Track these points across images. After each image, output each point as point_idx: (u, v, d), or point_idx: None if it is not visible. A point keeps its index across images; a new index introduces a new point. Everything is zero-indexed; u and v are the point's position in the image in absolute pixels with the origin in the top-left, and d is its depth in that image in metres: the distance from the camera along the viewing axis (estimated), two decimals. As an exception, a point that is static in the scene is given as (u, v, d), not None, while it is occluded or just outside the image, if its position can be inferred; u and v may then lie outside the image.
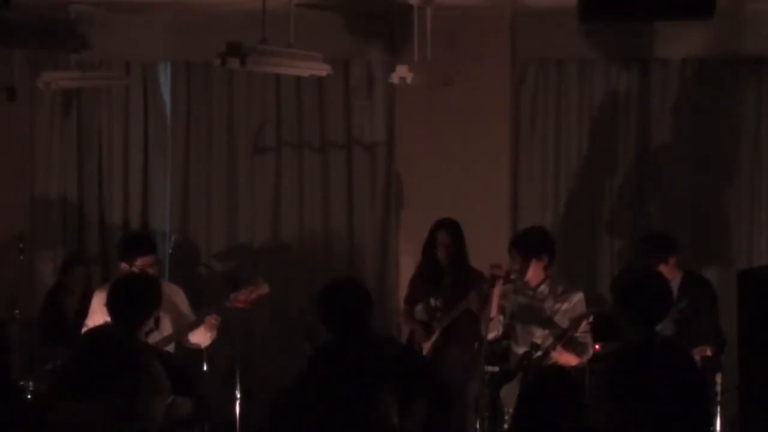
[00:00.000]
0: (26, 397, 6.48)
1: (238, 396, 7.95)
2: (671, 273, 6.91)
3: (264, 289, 6.99)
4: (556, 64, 8.77)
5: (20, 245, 8.85)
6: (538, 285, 6.93)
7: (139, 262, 6.92)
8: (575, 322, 6.70)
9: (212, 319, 6.87)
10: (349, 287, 5.07)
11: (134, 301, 5.62)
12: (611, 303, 5.40)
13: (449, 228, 7.56)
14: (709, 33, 8.15)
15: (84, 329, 6.85)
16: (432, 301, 7.50)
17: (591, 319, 6.77)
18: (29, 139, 9.45)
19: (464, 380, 7.14)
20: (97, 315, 6.77)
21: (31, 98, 9.27)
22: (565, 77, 8.79)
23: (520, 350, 6.98)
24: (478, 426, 7.27)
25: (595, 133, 8.77)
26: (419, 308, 7.61)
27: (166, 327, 6.79)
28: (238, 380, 7.99)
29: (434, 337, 7.42)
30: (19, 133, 9.39)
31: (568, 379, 4.57)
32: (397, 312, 8.65)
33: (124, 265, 6.97)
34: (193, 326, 6.90)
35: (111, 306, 5.63)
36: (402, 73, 7.50)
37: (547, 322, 6.80)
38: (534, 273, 6.91)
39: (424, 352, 7.43)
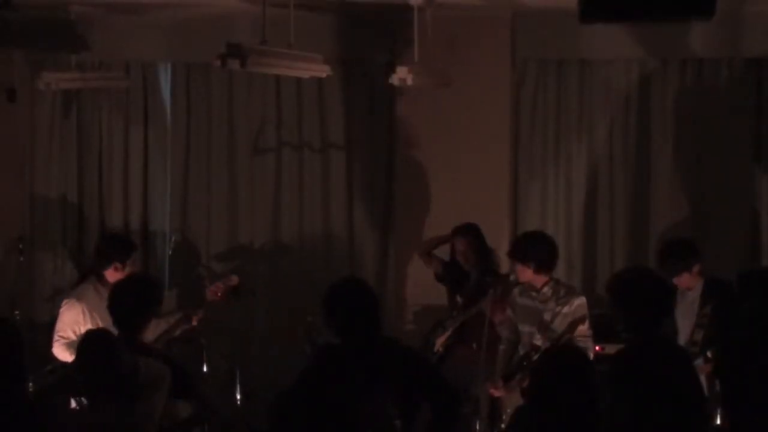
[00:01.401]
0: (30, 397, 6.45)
1: (238, 396, 7.96)
2: (694, 280, 6.89)
3: (234, 280, 7.04)
4: (556, 64, 8.77)
5: (20, 246, 8.85)
6: (542, 287, 6.92)
7: (131, 258, 6.90)
8: (572, 326, 6.69)
9: (199, 314, 6.86)
10: (355, 289, 5.02)
11: (136, 303, 5.62)
12: (609, 304, 5.40)
13: (464, 234, 7.63)
14: (709, 33, 8.15)
15: (56, 339, 6.77)
16: (458, 298, 7.55)
17: (586, 323, 6.75)
18: (29, 139, 9.46)
19: (471, 380, 7.17)
20: (78, 325, 6.68)
21: (31, 99, 9.28)
22: (565, 77, 8.79)
23: (522, 351, 6.98)
24: (477, 426, 7.28)
25: (595, 133, 8.77)
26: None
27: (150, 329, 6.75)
28: (238, 380, 8.00)
29: (447, 335, 7.46)
30: (19, 133, 9.40)
31: (578, 356, 4.53)
32: (397, 312, 8.66)
33: (116, 265, 6.87)
34: (181, 323, 6.88)
35: (113, 308, 5.62)
36: (402, 74, 7.49)
37: (546, 326, 6.79)
38: (535, 277, 6.90)
39: (435, 349, 7.48)
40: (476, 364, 7.09)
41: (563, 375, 4.36)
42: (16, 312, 8.50)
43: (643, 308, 5.12)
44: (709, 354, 6.46)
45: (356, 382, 4.67)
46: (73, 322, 6.73)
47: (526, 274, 6.86)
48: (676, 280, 6.88)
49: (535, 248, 6.88)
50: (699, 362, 6.39)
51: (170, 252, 8.96)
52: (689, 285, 6.86)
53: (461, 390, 6.94)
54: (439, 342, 7.53)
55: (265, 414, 6.52)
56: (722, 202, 8.49)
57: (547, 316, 6.80)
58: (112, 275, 6.79)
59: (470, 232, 7.68)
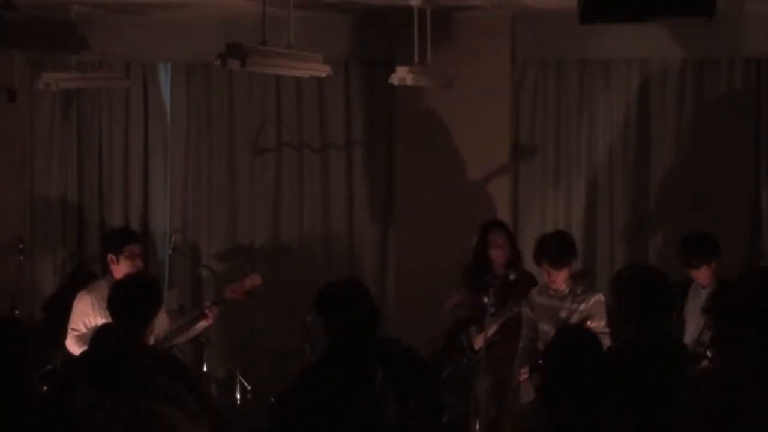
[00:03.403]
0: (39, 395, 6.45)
1: (238, 396, 7.96)
2: (710, 277, 6.89)
3: (257, 279, 7.02)
4: (556, 64, 8.77)
5: (20, 246, 8.85)
6: (560, 285, 6.91)
7: (126, 251, 6.85)
8: (581, 322, 6.67)
9: (214, 311, 6.85)
10: (349, 288, 4.95)
11: (136, 302, 5.60)
12: (612, 301, 5.39)
13: (503, 229, 7.60)
14: (709, 33, 8.14)
15: (70, 332, 6.79)
16: (485, 299, 7.48)
17: (604, 320, 6.74)
18: (29, 139, 9.47)
19: (505, 379, 7.18)
20: (88, 317, 6.72)
21: (31, 99, 9.29)
22: (565, 77, 8.78)
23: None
24: (478, 426, 7.27)
25: (595, 134, 8.77)
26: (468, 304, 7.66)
27: (161, 327, 6.75)
28: (238, 380, 8.00)
29: (490, 332, 7.38)
30: (19, 133, 9.41)
31: (591, 337, 4.53)
32: (396, 312, 8.66)
33: (111, 258, 6.91)
34: (195, 321, 6.89)
35: (112, 308, 5.61)
36: (402, 74, 7.49)
37: (562, 323, 6.76)
38: (564, 277, 6.90)
39: (477, 346, 7.46)
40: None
41: (572, 350, 4.37)
42: (16, 312, 8.50)
43: (642, 305, 5.11)
44: (708, 353, 6.46)
45: (354, 384, 4.66)
46: (82, 314, 6.77)
47: (563, 276, 6.85)
48: (694, 274, 6.90)
49: (573, 250, 6.89)
50: (705, 363, 6.38)
51: (170, 252, 8.96)
52: (704, 280, 6.87)
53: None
54: (479, 341, 7.49)
55: (265, 414, 6.53)
56: (722, 202, 8.48)
57: (563, 314, 6.79)
58: (113, 269, 6.83)
59: (505, 226, 7.67)
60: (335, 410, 4.59)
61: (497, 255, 7.54)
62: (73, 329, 6.79)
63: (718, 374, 4.48)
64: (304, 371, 4.99)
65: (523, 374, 6.98)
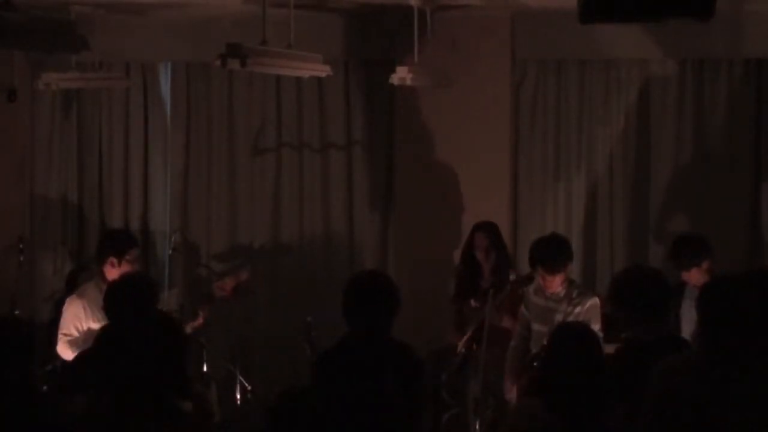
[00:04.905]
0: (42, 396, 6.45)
1: (238, 396, 7.97)
2: (703, 277, 6.87)
3: (244, 275, 7.03)
4: (555, 64, 8.77)
5: (20, 246, 8.85)
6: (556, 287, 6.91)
7: (129, 255, 6.83)
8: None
9: (204, 310, 6.85)
10: (375, 281, 5.03)
11: (133, 302, 5.60)
12: (611, 303, 5.40)
13: (487, 230, 7.61)
14: (709, 33, 8.14)
15: (59, 336, 6.76)
16: (472, 302, 7.50)
17: (598, 324, 6.73)
18: (29, 139, 9.47)
19: (495, 381, 7.17)
20: (80, 321, 6.70)
21: (31, 99, 9.29)
22: (565, 77, 8.79)
23: (534, 350, 6.96)
24: (477, 426, 7.27)
25: (595, 134, 8.77)
26: (460, 309, 7.67)
27: None
28: (238, 380, 8.01)
29: (466, 337, 7.42)
30: (19, 133, 9.40)
31: (589, 333, 4.54)
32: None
33: (112, 260, 6.87)
34: (187, 321, 6.89)
35: (107, 308, 5.61)
36: (402, 74, 7.50)
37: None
38: (559, 281, 6.90)
39: (457, 351, 7.49)
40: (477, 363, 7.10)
41: (571, 342, 4.38)
42: (17, 312, 8.50)
43: (643, 305, 5.11)
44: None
45: (365, 381, 4.66)
46: (74, 318, 6.74)
47: (558, 280, 6.83)
48: (685, 276, 6.90)
49: (568, 254, 6.87)
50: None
51: (170, 252, 8.96)
52: (698, 281, 6.85)
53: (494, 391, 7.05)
54: (460, 344, 7.52)
55: (265, 414, 6.51)
56: (722, 202, 8.48)
57: (558, 317, 6.78)
58: (109, 271, 6.79)
59: (491, 228, 7.68)
60: (340, 412, 4.58)
61: (480, 256, 7.57)
62: (64, 334, 6.73)
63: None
64: (314, 369, 5.02)
65: (511, 391, 6.96)
